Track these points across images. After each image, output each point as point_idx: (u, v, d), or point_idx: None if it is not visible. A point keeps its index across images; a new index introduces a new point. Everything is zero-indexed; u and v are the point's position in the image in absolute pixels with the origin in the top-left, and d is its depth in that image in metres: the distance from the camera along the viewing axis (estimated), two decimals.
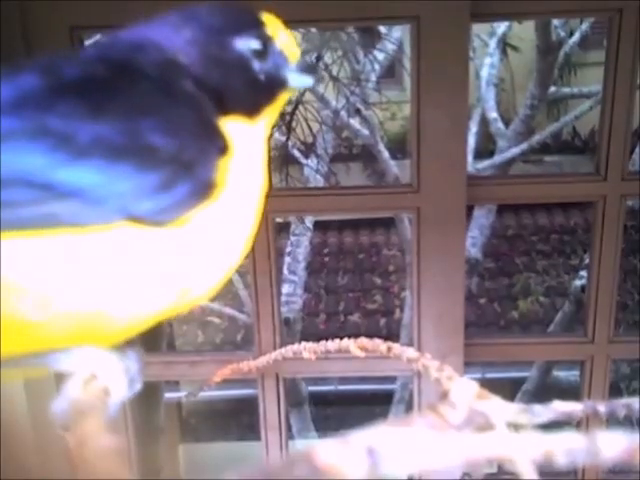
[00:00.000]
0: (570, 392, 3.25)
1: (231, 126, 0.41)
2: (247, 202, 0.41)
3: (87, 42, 1.13)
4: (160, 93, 0.39)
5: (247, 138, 0.42)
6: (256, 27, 0.43)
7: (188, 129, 0.38)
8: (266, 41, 0.43)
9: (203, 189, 0.38)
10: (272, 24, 0.44)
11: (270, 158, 0.46)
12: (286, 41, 0.45)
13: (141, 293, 0.37)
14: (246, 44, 0.42)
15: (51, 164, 0.35)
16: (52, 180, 0.35)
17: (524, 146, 3.20)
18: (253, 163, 0.42)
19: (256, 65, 0.42)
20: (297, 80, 0.45)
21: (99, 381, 0.40)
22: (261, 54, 0.43)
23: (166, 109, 0.38)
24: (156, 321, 0.40)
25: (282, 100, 0.46)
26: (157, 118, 0.38)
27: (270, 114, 0.45)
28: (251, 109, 0.42)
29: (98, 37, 1.17)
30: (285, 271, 3.21)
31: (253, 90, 0.43)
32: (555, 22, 2.95)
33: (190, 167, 0.37)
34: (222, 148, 0.39)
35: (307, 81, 0.46)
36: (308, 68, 0.46)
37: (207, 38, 0.41)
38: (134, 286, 0.37)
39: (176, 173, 0.37)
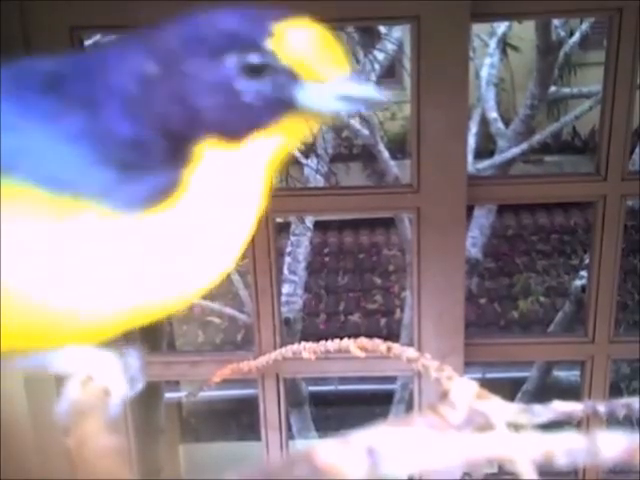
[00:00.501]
0: (570, 392, 3.25)
1: (204, 149, 0.38)
2: (206, 221, 0.39)
3: (87, 42, 1.13)
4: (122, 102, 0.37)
5: (225, 162, 0.38)
6: (253, 40, 0.38)
7: (152, 134, 0.36)
8: (265, 57, 0.38)
9: (158, 191, 0.36)
10: (282, 37, 0.38)
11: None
12: (306, 55, 0.38)
13: (103, 288, 0.36)
14: (234, 61, 0.37)
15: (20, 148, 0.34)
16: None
17: (524, 146, 3.20)
18: (228, 186, 0.39)
19: (241, 84, 0.37)
20: (314, 101, 0.39)
21: (98, 381, 0.40)
22: (255, 71, 0.37)
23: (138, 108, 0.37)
24: (125, 325, 0.39)
25: (297, 121, 0.40)
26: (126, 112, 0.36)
27: (273, 137, 0.39)
28: (230, 133, 0.38)
29: (98, 38, 1.17)
30: (285, 271, 3.21)
31: (232, 112, 0.38)
32: (555, 22, 2.94)
33: (144, 168, 0.36)
34: (185, 159, 0.37)
35: (330, 104, 0.39)
36: (348, 95, 0.39)
37: (192, 52, 0.37)
38: (95, 279, 0.36)
39: (145, 164, 0.36)
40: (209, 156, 0.37)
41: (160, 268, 0.38)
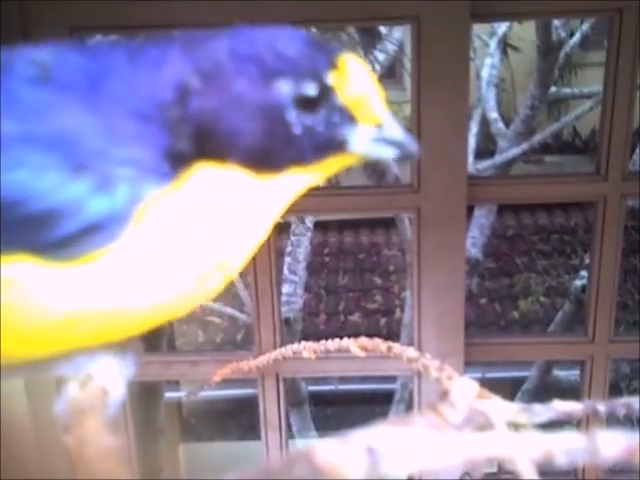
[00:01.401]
0: (570, 392, 3.25)
1: (208, 171, 0.35)
2: (175, 244, 0.35)
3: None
4: (121, 111, 0.34)
5: (241, 189, 0.36)
6: (316, 70, 0.35)
7: (126, 153, 0.33)
8: (323, 90, 0.35)
9: (117, 217, 0.33)
10: (345, 71, 0.36)
11: None
12: (363, 95, 0.36)
13: (38, 330, 0.34)
14: (290, 87, 0.34)
15: None
16: None
17: (524, 146, 3.20)
18: (232, 214, 0.36)
19: (292, 115, 0.35)
20: (366, 147, 0.37)
21: (98, 381, 0.40)
22: (310, 103, 0.35)
23: (112, 125, 0.33)
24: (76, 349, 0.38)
25: (338, 163, 0.38)
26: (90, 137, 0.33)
27: (308, 174, 0.37)
28: (262, 161, 0.35)
29: (98, 38, 1.17)
30: (285, 271, 3.21)
31: (274, 141, 0.35)
32: (556, 22, 2.94)
33: (108, 189, 0.32)
34: (157, 183, 0.34)
35: (383, 152, 0.37)
36: (393, 141, 0.37)
37: (240, 68, 0.34)
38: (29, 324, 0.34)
39: (91, 193, 0.32)
40: (203, 178, 0.35)
41: (109, 306, 0.35)
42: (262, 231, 0.38)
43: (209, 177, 0.35)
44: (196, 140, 0.34)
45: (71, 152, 0.32)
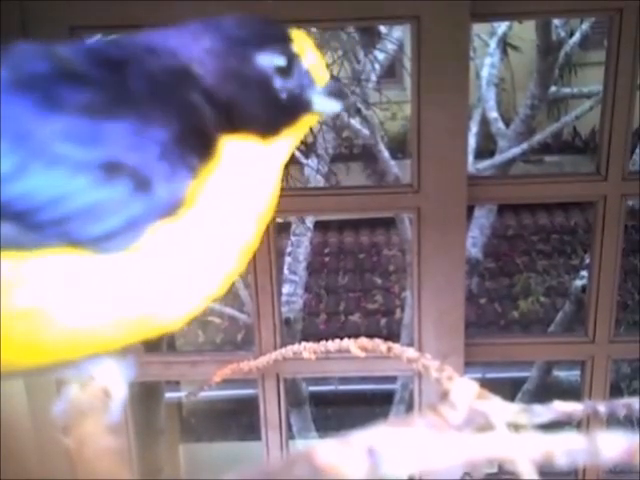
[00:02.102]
0: (570, 392, 3.25)
1: (234, 144, 0.38)
2: (227, 222, 0.38)
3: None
4: (147, 99, 0.35)
5: (255, 158, 0.39)
6: (282, 43, 0.40)
7: (163, 143, 0.34)
8: (292, 58, 0.40)
9: (163, 211, 0.34)
10: (300, 42, 0.41)
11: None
12: (314, 61, 0.42)
13: (88, 320, 0.35)
14: (269, 59, 0.39)
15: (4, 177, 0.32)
16: (4, 197, 0.32)
17: (524, 146, 3.20)
18: (255, 183, 0.40)
19: (278, 82, 0.40)
20: (323, 104, 0.42)
21: (99, 382, 0.40)
22: (285, 71, 0.40)
23: (145, 118, 0.35)
24: (118, 344, 0.38)
25: (305, 123, 0.43)
26: (130, 127, 0.34)
27: (290, 136, 0.42)
28: (266, 128, 0.40)
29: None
30: (285, 271, 3.21)
31: (271, 108, 0.40)
32: (555, 22, 2.94)
33: (150, 186, 0.34)
34: (196, 167, 0.35)
35: (334, 106, 0.43)
36: (336, 92, 0.43)
37: (227, 50, 0.39)
38: (78, 314, 0.34)
39: (132, 191, 0.33)
40: (232, 152, 0.38)
41: (159, 293, 0.36)
42: (272, 197, 0.42)
43: (236, 150, 0.38)
44: (216, 116, 0.37)
45: (110, 150, 0.34)
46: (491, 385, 0.39)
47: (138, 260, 0.34)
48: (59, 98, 0.34)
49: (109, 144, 0.33)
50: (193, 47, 0.39)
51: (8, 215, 0.32)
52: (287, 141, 0.42)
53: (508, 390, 3.54)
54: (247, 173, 0.39)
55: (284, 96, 0.40)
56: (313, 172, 3.04)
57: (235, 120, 0.38)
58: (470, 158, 3.02)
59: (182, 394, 2.86)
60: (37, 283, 0.33)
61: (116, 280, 0.34)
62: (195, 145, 0.36)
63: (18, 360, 0.36)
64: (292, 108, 0.41)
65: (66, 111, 0.33)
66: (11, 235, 0.32)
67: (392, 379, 3.37)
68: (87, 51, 0.38)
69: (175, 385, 3.10)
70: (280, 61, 0.40)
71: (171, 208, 0.35)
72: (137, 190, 0.34)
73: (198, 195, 0.35)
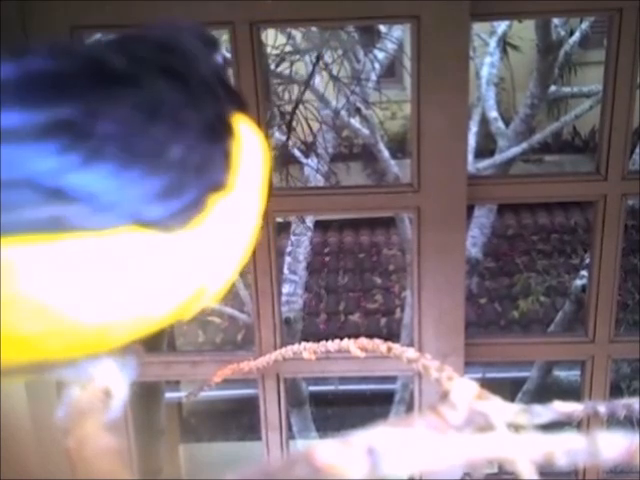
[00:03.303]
0: (571, 392, 3.25)
1: (243, 126, 0.40)
2: (253, 201, 0.41)
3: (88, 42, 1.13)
4: (179, 89, 0.38)
5: (254, 138, 0.42)
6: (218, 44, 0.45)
7: (200, 126, 0.37)
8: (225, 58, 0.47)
9: (214, 189, 0.37)
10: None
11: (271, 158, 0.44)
12: None
13: (150, 298, 0.36)
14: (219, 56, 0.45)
15: (62, 167, 0.33)
16: (61, 184, 0.32)
17: (524, 145, 3.20)
18: (258, 164, 0.42)
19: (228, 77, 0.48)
20: None
21: (99, 382, 0.40)
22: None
23: (180, 107, 0.37)
24: (168, 322, 0.39)
25: None
26: (169, 118, 0.36)
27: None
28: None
29: (98, 37, 1.17)
30: (286, 271, 3.21)
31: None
32: (555, 21, 2.94)
33: (201, 167, 0.36)
34: (230, 149, 0.38)
35: None
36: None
37: (197, 49, 0.43)
38: (142, 292, 0.36)
39: (186, 176, 0.36)
40: (247, 137, 0.40)
41: (210, 269, 0.38)
42: (266, 191, 0.44)
43: (246, 128, 0.41)
44: (226, 97, 0.41)
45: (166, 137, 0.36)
46: (491, 385, 0.39)
47: (196, 237, 0.36)
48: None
49: (156, 132, 0.35)
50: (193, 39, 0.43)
51: (78, 197, 0.33)
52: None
53: (508, 390, 3.55)
54: (255, 152, 0.41)
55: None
56: (313, 172, 3.04)
57: (238, 103, 0.42)
58: (470, 158, 3.02)
59: (182, 394, 2.86)
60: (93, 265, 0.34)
61: (177, 257, 0.36)
62: (223, 129, 0.39)
63: (53, 349, 0.36)
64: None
65: (115, 103, 0.35)
66: (82, 216, 0.33)
67: (392, 379, 3.37)
68: (118, 46, 0.40)
69: (175, 385, 3.10)
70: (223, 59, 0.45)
71: (219, 186, 0.37)
72: (192, 172, 0.36)
73: (237, 172, 0.38)
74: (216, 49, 0.44)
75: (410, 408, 2.68)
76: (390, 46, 3.05)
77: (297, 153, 3.10)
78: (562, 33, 3.09)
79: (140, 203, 0.35)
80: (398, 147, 4.64)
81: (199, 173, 0.36)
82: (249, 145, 0.40)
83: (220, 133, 0.38)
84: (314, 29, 2.55)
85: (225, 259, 0.39)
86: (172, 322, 0.40)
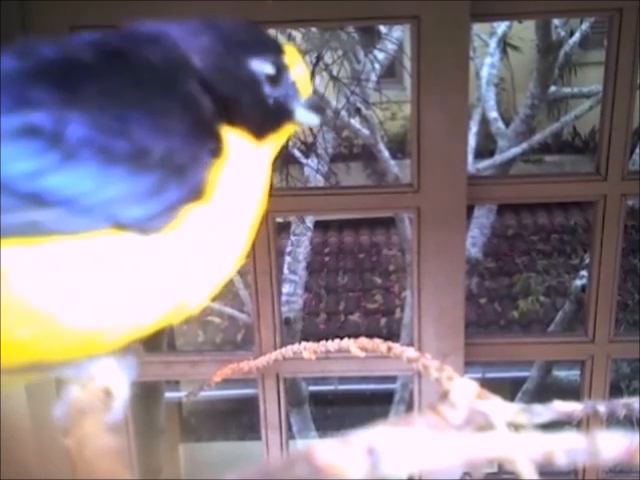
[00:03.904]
0: (570, 392, 3.25)
1: (232, 135, 0.39)
2: (239, 209, 0.40)
3: None
4: (157, 87, 0.37)
5: (249, 153, 0.41)
6: (274, 53, 0.42)
7: (180, 129, 0.37)
8: (281, 68, 0.42)
9: (193, 193, 0.36)
10: (291, 54, 0.43)
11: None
12: (301, 74, 0.44)
13: (130, 302, 0.36)
14: (261, 66, 0.42)
15: (37, 171, 0.33)
16: (37, 189, 0.32)
17: (524, 146, 3.21)
18: (251, 178, 0.41)
19: (267, 89, 0.42)
20: (304, 115, 0.44)
21: (100, 382, 0.40)
22: (274, 80, 0.42)
23: (159, 105, 0.37)
24: (152, 330, 0.39)
25: (286, 132, 0.45)
26: (148, 115, 0.36)
27: (274, 142, 0.44)
28: (255, 129, 0.41)
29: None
30: (285, 271, 3.21)
31: (259, 110, 0.42)
32: (555, 22, 2.94)
33: (180, 171, 0.36)
34: (214, 151, 0.37)
35: (313, 120, 0.45)
36: (316, 107, 0.45)
37: (224, 49, 0.41)
38: (122, 296, 0.36)
39: (166, 177, 0.35)
40: (236, 146, 0.39)
41: (191, 273, 0.38)
42: (263, 197, 0.43)
43: (236, 141, 0.40)
44: (214, 107, 0.39)
45: (138, 138, 0.36)
46: (491, 385, 0.39)
47: (174, 240, 0.36)
48: (76, 89, 0.35)
49: (135, 134, 0.35)
50: (192, 41, 0.40)
51: (55, 201, 0.33)
52: (270, 146, 0.43)
53: (508, 390, 3.55)
54: (247, 165, 0.41)
55: (271, 102, 0.42)
56: (313, 172, 3.04)
57: (230, 114, 0.40)
58: (470, 158, 3.02)
59: (182, 394, 2.86)
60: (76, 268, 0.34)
61: (155, 260, 0.36)
62: (208, 132, 0.38)
63: (43, 351, 0.36)
64: (277, 115, 0.43)
65: (87, 102, 0.35)
66: (60, 220, 0.33)
67: (392, 379, 3.37)
68: (90, 42, 0.39)
69: (175, 385, 3.10)
70: (270, 69, 0.42)
71: (198, 190, 0.36)
72: (171, 174, 0.36)
73: (218, 179, 0.37)
74: (254, 52, 0.41)
75: (410, 408, 2.68)
76: (390, 46, 3.05)
77: (297, 153, 3.10)
78: (562, 33, 3.09)
79: (118, 206, 0.34)
80: (398, 147, 4.64)
81: (180, 174, 0.36)
82: (237, 154, 0.39)
83: (200, 139, 0.37)
84: (314, 30, 2.55)
85: (206, 263, 0.39)
86: (161, 325, 0.39)
